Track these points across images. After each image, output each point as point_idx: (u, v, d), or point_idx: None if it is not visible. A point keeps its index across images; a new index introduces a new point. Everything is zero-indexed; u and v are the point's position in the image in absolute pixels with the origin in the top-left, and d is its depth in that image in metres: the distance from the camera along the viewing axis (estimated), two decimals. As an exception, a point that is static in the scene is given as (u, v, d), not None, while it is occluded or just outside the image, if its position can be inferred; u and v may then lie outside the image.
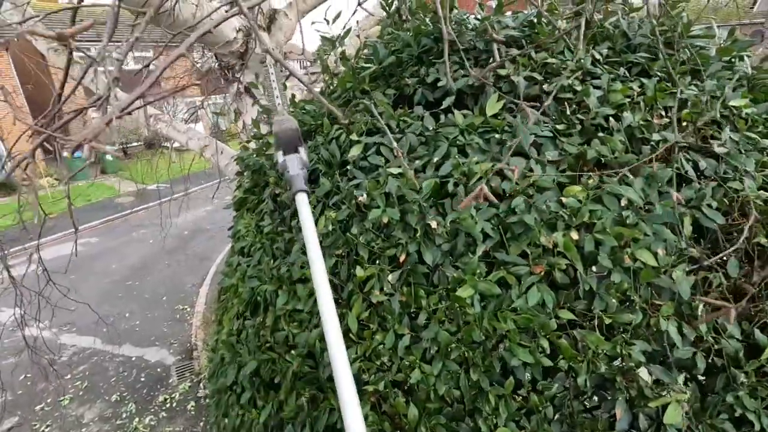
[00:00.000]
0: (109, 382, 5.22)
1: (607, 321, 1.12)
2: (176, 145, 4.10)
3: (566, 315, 1.14)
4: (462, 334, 1.16)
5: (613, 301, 1.14)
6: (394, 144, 1.25)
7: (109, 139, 15.21)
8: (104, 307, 6.64)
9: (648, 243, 1.19)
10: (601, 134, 1.39)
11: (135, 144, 16.42)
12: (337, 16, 2.13)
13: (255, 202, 1.93)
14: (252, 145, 2.18)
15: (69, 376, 5.29)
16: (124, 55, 1.09)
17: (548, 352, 1.12)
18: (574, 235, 1.20)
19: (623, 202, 1.25)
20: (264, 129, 2.35)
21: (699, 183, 1.30)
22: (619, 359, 1.11)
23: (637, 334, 1.12)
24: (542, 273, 1.20)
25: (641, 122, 1.40)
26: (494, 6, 1.99)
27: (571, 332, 1.15)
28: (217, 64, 3.46)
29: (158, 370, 5.41)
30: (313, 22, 2.09)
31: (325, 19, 2.10)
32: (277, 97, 1.27)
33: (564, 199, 1.26)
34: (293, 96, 2.73)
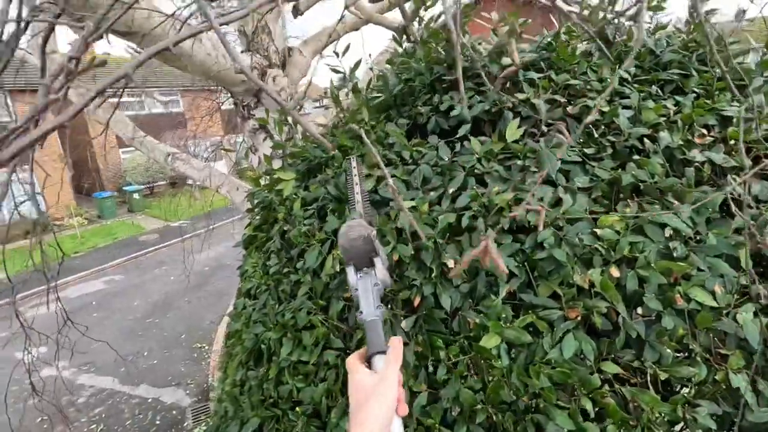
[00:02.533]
0: (124, 425, 5.09)
1: (663, 376, 0.94)
2: (198, 183, 4.13)
3: (611, 368, 0.97)
4: (488, 393, 0.99)
5: (668, 350, 0.96)
6: (390, 180, 1.13)
7: (134, 179, 15.76)
8: (124, 345, 6.60)
9: (702, 279, 1.01)
10: (636, 157, 1.25)
11: (161, 182, 16.95)
12: (347, 48, 2.10)
13: (263, 240, 1.84)
14: (263, 181, 2.12)
15: (85, 419, 5.19)
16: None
17: (592, 415, 0.94)
18: (615, 272, 1.04)
19: (668, 232, 1.09)
20: (276, 164, 2.29)
21: (757, 208, 1.13)
22: (682, 424, 0.92)
23: (701, 392, 0.94)
24: (578, 317, 1.04)
25: (681, 142, 1.26)
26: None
27: (618, 389, 0.97)
28: (233, 102, 3.51)
29: (173, 412, 5.26)
30: (322, 56, 2.06)
31: (334, 52, 2.07)
32: (357, 193, 0.91)
33: (599, 231, 1.11)
34: (305, 131, 2.69)
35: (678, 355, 0.98)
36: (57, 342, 3.10)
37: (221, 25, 0.62)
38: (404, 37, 2.05)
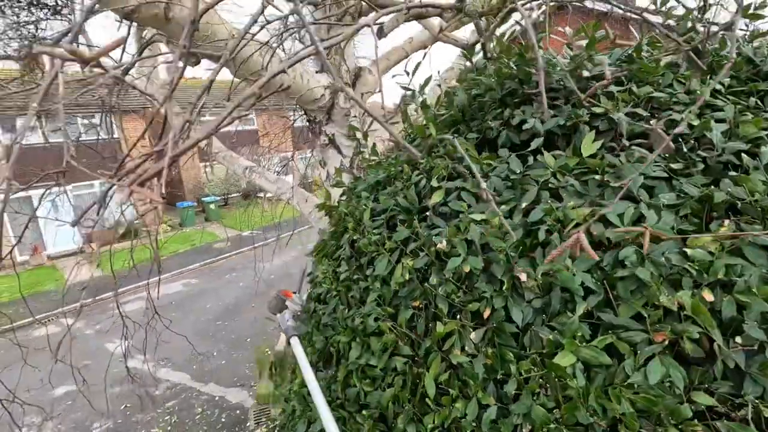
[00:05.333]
0: (194, 419, 5.44)
1: (767, 413, 0.85)
2: (269, 195, 4.41)
3: (704, 400, 0.89)
4: (563, 413, 0.96)
5: (773, 385, 0.87)
6: (483, 184, 1.14)
7: (211, 190, 17.08)
8: (197, 345, 7.07)
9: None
10: (732, 173, 1.16)
11: (234, 194, 18.24)
12: (417, 67, 2.16)
13: (334, 248, 1.92)
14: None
15: (160, 410, 5.62)
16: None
17: (681, 447, 0.87)
18: (708, 296, 0.97)
19: (773, 256, 0.99)
20: (345, 178, 2.40)
21: None
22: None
23: (814, 435, 0.83)
24: (666, 342, 0.97)
25: (788, 158, 1.15)
26: (585, 45, 1.88)
27: (712, 424, 0.89)
28: (306, 119, 3.72)
29: (237, 412, 5.53)
30: (393, 75, 2.14)
31: (405, 71, 2.14)
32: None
33: (689, 251, 1.04)
34: (374, 144, 2.79)
35: (786, 391, 0.88)
36: (145, 334, 3.43)
37: (325, 49, 0.69)
38: (480, 52, 2.07)
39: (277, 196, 3.94)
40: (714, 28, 1.65)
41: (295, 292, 1.93)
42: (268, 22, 1.47)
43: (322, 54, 0.68)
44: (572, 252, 0.59)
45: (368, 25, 0.81)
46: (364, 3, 2.12)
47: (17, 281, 3.28)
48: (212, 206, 16.29)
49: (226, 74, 2.78)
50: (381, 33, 1.45)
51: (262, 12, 1.03)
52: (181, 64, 1.12)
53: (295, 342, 1.50)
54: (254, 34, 2.15)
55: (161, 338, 3.71)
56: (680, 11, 1.78)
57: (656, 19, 1.90)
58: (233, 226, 14.15)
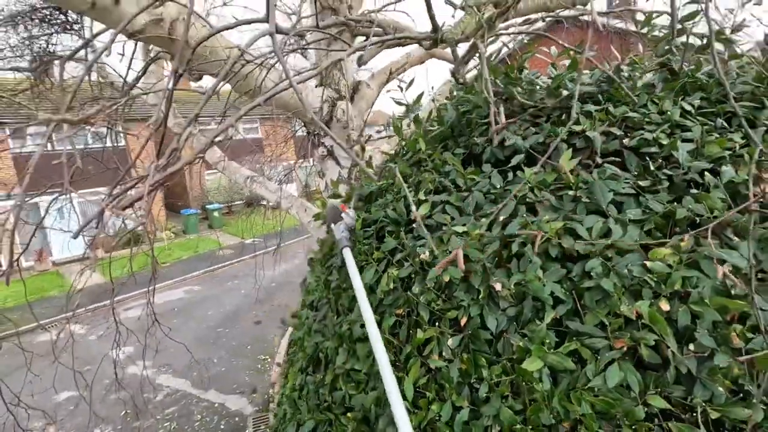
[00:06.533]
0: (194, 426, 5.48)
1: (714, 415, 0.92)
2: (270, 203, 4.52)
3: (658, 402, 0.96)
4: (529, 415, 1.03)
5: (720, 389, 0.94)
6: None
7: (214, 198, 17.24)
8: (198, 351, 7.14)
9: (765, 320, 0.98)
10: (694, 191, 1.23)
11: (238, 202, 18.40)
12: (410, 83, 2.26)
13: (327, 257, 2.00)
14: (336, 201, 2.32)
15: (160, 416, 5.67)
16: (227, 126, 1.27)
17: (635, 446, 0.94)
18: (665, 306, 1.04)
19: (727, 269, 1.06)
20: (342, 189, 2.48)
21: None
22: (734, 467, 0.88)
23: (757, 436, 0.90)
24: (625, 348, 1.04)
25: (746, 177, 1.22)
26: (568, 65, 1.97)
27: (665, 425, 0.96)
28: (305, 131, 3.83)
29: (236, 419, 5.57)
30: (388, 90, 2.24)
31: (399, 86, 2.24)
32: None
33: (649, 264, 1.11)
34: (370, 157, 2.89)
35: (732, 396, 0.95)
36: (144, 342, 3.51)
37: (298, 83, 0.78)
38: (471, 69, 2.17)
39: (277, 205, 4.04)
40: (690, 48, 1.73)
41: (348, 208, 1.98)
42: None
43: (296, 88, 0.77)
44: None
45: (341, 60, 0.90)
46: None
47: (23, 286, 3.36)
48: (216, 214, 16.45)
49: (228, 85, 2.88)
50: (360, 61, 1.56)
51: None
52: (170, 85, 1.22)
53: (347, 253, 1.59)
54: (256, 59, 2.25)
55: (162, 345, 3.79)
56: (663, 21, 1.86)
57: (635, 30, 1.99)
58: (236, 234, 14.27)
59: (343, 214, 1.84)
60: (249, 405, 5.93)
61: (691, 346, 1.01)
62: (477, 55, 1.74)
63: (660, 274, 1.08)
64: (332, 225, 1.85)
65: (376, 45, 1.50)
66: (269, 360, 6.94)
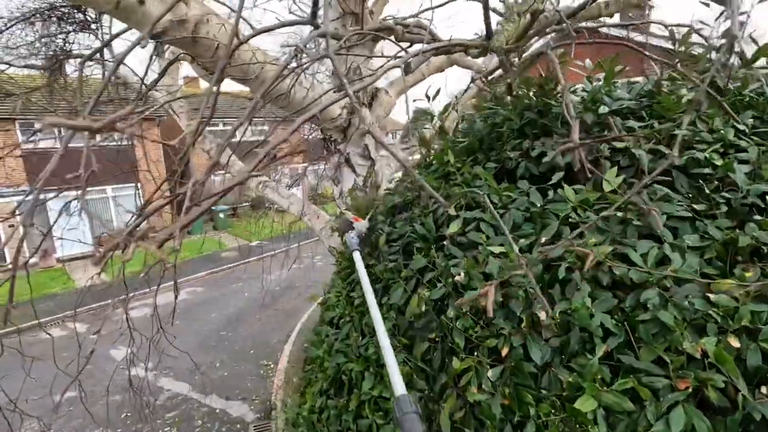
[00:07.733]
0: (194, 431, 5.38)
1: (796, 471, 0.83)
2: (277, 207, 4.45)
3: (730, 453, 0.87)
4: (583, 459, 0.94)
5: (802, 442, 0.85)
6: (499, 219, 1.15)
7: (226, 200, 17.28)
8: (199, 355, 7.06)
9: None
10: (757, 217, 1.15)
11: (244, 204, 18.38)
12: (437, 93, 2.19)
13: (348, 271, 1.92)
14: (349, 214, 2.24)
15: (160, 421, 5.58)
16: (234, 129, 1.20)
17: (707, 503, 0.85)
18: (734, 343, 0.95)
19: (800, 306, 0.98)
20: (356, 199, 2.41)
21: None
22: None
23: None
24: (689, 389, 0.95)
25: (814, 204, 1.14)
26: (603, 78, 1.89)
27: (738, 478, 0.87)
28: (322, 137, 3.77)
29: (238, 426, 5.46)
30: (414, 100, 2.17)
31: (426, 95, 2.17)
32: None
33: (713, 296, 1.02)
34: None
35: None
36: (149, 346, 3.43)
37: (354, 92, 0.71)
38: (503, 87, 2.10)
39: (289, 211, 3.97)
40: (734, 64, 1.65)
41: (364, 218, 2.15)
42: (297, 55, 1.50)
43: (351, 96, 0.70)
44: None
45: (398, 67, 0.83)
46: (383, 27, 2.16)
47: (27, 283, 3.29)
48: (221, 215, 16.43)
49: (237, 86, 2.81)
50: (408, 69, 1.50)
51: (295, 55, 1.06)
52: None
53: (357, 256, 1.69)
54: (286, 64, 2.19)
55: (164, 347, 3.70)
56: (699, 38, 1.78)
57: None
58: (241, 236, 14.23)
59: (355, 224, 2.00)
60: (250, 412, 5.82)
61: (764, 389, 0.92)
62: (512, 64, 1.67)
63: (726, 308, 0.99)
64: (345, 235, 2.00)
65: (430, 52, 1.43)
66: (272, 366, 6.84)
